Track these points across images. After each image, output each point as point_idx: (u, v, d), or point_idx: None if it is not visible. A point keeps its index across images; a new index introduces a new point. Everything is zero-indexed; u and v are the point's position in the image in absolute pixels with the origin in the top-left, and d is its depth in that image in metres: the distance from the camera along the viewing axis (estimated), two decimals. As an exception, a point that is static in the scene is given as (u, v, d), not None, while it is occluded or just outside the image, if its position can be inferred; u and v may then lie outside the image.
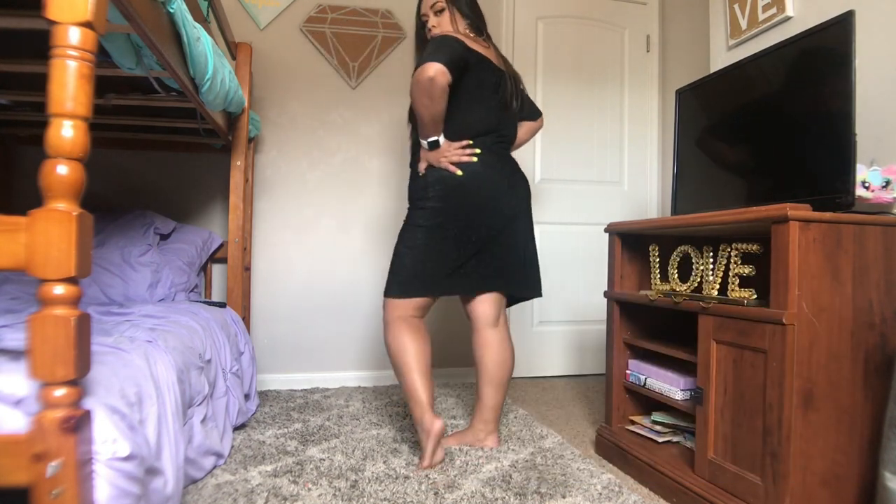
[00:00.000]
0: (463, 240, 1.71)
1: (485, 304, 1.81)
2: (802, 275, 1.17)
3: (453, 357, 2.81)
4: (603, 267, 1.94)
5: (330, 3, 2.70)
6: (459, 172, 1.71)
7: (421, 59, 1.65)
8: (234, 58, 2.31)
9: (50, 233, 0.78)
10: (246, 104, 2.20)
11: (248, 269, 2.51)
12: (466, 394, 2.54)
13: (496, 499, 1.43)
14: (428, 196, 1.73)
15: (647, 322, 1.82)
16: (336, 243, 2.74)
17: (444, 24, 1.82)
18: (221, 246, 2.50)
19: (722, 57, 2.18)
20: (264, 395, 2.46)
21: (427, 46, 1.70)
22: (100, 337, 1.26)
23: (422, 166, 1.78)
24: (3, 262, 0.79)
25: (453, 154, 1.71)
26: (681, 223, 1.50)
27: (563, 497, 1.46)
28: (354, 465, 1.65)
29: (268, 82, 2.66)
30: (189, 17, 1.32)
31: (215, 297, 2.55)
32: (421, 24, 1.89)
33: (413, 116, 1.82)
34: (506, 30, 2.90)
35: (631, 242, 1.84)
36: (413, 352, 1.70)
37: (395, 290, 1.74)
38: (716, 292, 1.42)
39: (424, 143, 1.74)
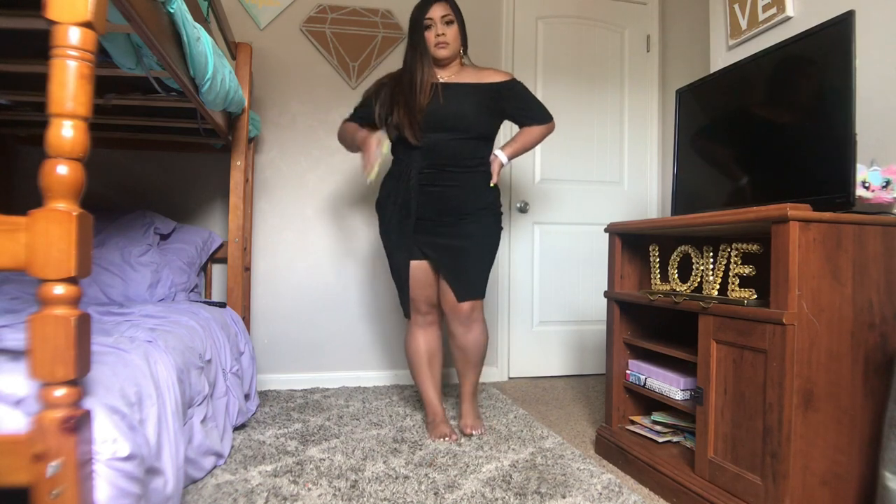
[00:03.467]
0: None
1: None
2: (802, 275, 1.17)
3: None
4: (603, 267, 1.94)
5: (330, 3, 2.70)
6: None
7: (545, 112, 2.04)
8: (234, 58, 2.31)
9: (50, 233, 0.78)
10: (246, 104, 2.20)
11: (248, 269, 2.51)
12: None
13: (496, 499, 1.43)
14: (499, 204, 2.04)
15: (647, 322, 1.82)
16: (336, 243, 2.74)
17: (450, 37, 1.93)
18: (221, 246, 2.50)
19: (722, 57, 2.18)
20: (264, 395, 2.46)
21: (533, 98, 2.04)
22: (100, 337, 1.26)
23: (496, 178, 1.99)
24: (3, 262, 0.79)
25: None
26: (681, 223, 1.50)
27: (563, 497, 1.46)
28: (354, 465, 1.65)
29: (268, 82, 2.66)
30: (189, 17, 1.32)
31: (215, 297, 2.55)
32: (422, 26, 1.93)
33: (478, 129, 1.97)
34: (506, 30, 2.90)
35: (631, 242, 1.83)
36: None
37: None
38: (716, 292, 1.42)
39: (510, 160, 2.03)
